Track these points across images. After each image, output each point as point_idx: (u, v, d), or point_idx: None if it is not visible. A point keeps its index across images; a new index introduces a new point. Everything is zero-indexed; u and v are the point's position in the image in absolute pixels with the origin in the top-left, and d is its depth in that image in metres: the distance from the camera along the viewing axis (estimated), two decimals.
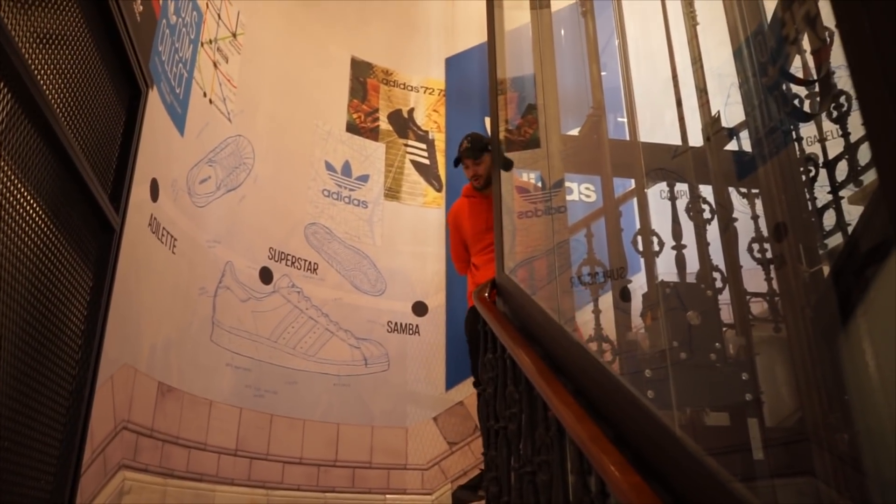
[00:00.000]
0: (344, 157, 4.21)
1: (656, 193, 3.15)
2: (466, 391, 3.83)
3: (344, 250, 3.97)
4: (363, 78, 4.52)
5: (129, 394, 2.45)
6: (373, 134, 4.39)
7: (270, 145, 3.87)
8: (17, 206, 1.84)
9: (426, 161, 4.49)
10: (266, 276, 3.66)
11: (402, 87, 4.65)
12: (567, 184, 4.07)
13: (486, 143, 3.32)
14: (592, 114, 3.10)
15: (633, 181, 3.41)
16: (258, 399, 3.30)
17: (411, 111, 4.60)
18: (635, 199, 3.13)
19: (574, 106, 3.40)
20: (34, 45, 1.90)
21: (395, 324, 3.89)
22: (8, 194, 1.78)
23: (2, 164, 1.74)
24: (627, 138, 3.40)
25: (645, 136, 3.18)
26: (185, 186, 3.20)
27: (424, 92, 4.69)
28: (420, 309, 3.98)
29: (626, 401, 1.64)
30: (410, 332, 3.84)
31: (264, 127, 3.90)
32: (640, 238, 2.97)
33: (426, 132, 4.58)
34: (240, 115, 3.74)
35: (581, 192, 4.34)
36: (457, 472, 3.66)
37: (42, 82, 1.90)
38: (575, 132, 3.50)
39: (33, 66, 1.84)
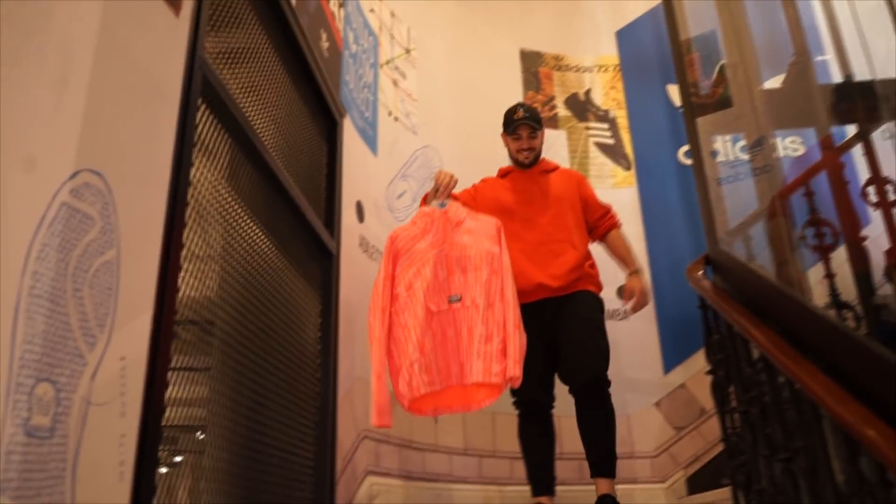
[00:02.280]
0: None
1: (877, 136, 2.79)
2: (687, 373, 3.65)
3: None
4: (535, 68, 4.49)
5: (366, 405, 2.62)
6: (552, 122, 4.33)
7: (455, 151, 3.97)
8: (255, 244, 2.04)
9: (611, 141, 4.35)
10: None
11: (574, 70, 4.55)
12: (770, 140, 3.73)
13: (541, 118, 2.83)
14: (795, 61, 2.81)
15: (846, 128, 3.05)
16: None
17: (588, 93, 4.49)
18: (854, 148, 2.79)
19: (770, 55, 3.11)
20: (245, 95, 2.10)
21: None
22: (245, 234, 1.98)
23: (235, 205, 1.94)
24: (835, 80, 3.04)
25: (857, 74, 2.83)
26: (385, 204, 3.37)
27: (599, 71, 4.55)
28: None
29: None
30: (619, 317, 3.73)
31: (447, 134, 4.00)
32: (871, 188, 2.65)
33: (606, 111, 4.44)
34: (423, 126, 3.87)
35: (786, 147, 3.96)
36: (688, 458, 3.50)
37: (256, 127, 2.09)
38: (773, 84, 3.20)
39: (248, 114, 2.03)
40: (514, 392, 2.55)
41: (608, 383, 2.53)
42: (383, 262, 2.39)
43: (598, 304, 2.67)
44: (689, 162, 3.97)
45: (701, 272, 2.47)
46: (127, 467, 1.14)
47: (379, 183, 3.37)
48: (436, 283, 2.34)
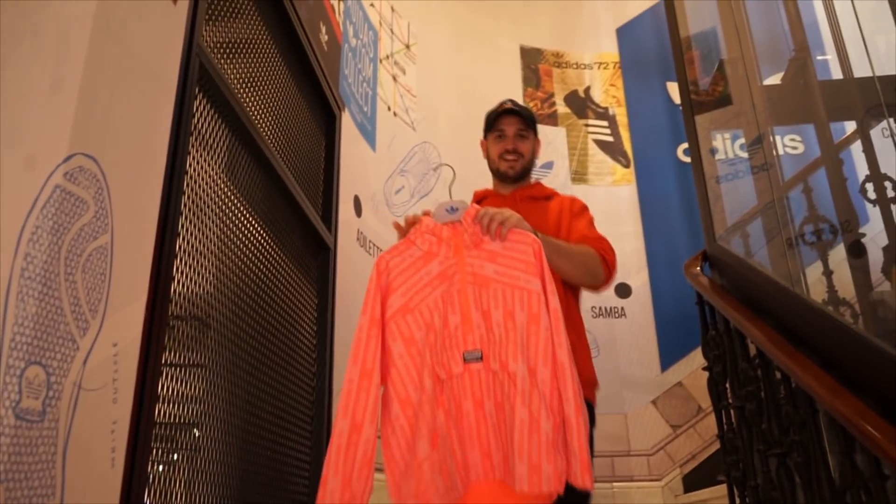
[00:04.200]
0: None
1: (878, 134, 2.78)
2: (684, 371, 3.65)
3: None
4: (534, 65, 4.48)
5: None
6: (551, 119, 4.33)
7: (454, 147, 3.96)
8: (250, 235, 2.03)
9: (610, 138, 4.35)
10: None
11: (574, 66, 4.54)
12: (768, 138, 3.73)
13: (536, 120, 2.06)
14: (796, 57, 2.81)
15: (845, 125, 3.04)
16: None
17: (588, 90, 4.48)
18: (852, 145, 2.79)
19: (770, 52, 3.11)
20: (243, 87, 2.09)
21: (601, 308, 3.80)
22: (242, 226, 1.97)
23: (232, 196, 1.93)
24: (834, 77, 3.04)
25: (856, 71, 2.83)
26: (384, 199, 3.36)
27: (599, 68, 4.55)
28: (623, 291, 3.87)
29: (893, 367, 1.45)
30: (616, 315, 3.74)
31: (446, 130, 4.00)
32: (869, 185, 2.64)
33: (606, 108, 4.44)
34: (422, 122, 3.86)
35: (785, 144, 3.96)
36: (685, 456, 3.50)
37: (254, 118, 2.08)
38: (773, 81, 3.19)
39: (246, 106, 2.02)
40: None
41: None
42: (368, 300, 1.55)
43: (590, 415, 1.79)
44: (688, 159, 3.97)
45: (698, 268, 2.47)
46: (119, 454, 1.13)
47: (377, 178, 3.36)
48: (445, 334, 1.51)
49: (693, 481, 3.40)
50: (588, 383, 1.78)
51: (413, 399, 1.49)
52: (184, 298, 1.53)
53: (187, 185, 1.55)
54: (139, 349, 1.22)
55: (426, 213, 1.66)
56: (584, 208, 1.99)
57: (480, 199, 2.04)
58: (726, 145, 3.95)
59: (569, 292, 1.87)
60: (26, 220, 0.93)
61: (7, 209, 0.90)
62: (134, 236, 1.23)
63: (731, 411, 2.15)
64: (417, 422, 1.47)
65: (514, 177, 1.99)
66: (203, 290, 1.68)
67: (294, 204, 2.37)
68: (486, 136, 2.08)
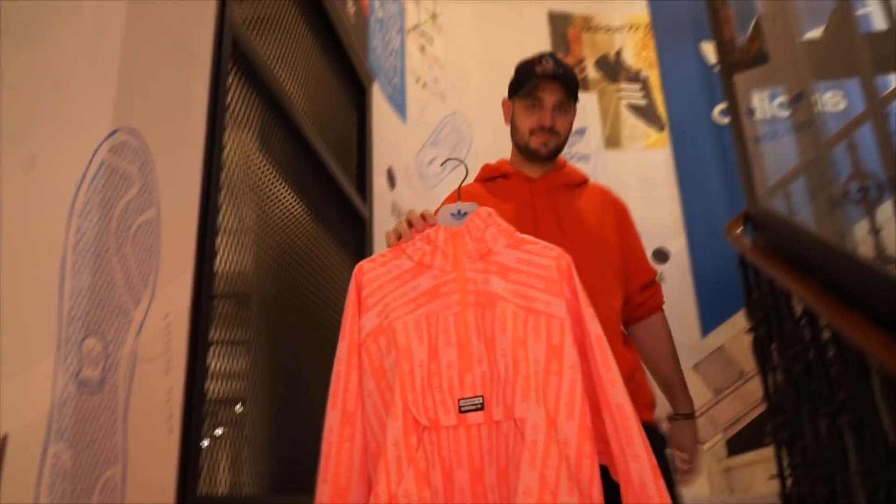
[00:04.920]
0: None
1: None
2: (725, 335, 3.61)
3: None
4: (563, 30, 4.40)
5: None
6: (582, 85, 4.24)
7: (485, 116, 3.92)
8: (288, 210, 2.05)
9: (642, 102, 4.27)
10: None
11: (604, 30, 4.45)
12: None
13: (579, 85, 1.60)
14: (837, 10, 2.71)
15: (889, 78, 2.94)
16: None
17: (618, 53, 4.40)
18: None
19: (809, 6, 3.01)
20: (275, 62, 2.09)
21: None
22: (279, 200, 1.99)
23: (269, 170, 1.94)
24: (875, 28, 2.93)
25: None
26: (416, 170, 3.35)
27: (629, 30, 4.45)
28: (661, 256, 3.82)
29: None
30: None
31: (476, 100, 3.96)
32: None
33: (638, 72, 4.35)
34: (452, 92, 3.83)
35: (826, 101, 3.85)
36: (728, 420, 3.47)
37: (287, 93, 2.08)
38: (813, 35, 3.09)
39: (279, 81, 2.02)
40: None
41: None
42: (346, 322, 1.19)
43: (660, 441, 1.50)
44: (724, 121, 3.88)
45: (740, 230, 2.42)
46: (175, 422, 1.16)
47: (409, 149, 3.35)
48: (432, 370, 1.11)
49: (737, 445, 3.37)
50: (648, 405, 1.49)
51: (391, 457, 1.03)
52: (226, 277, 1.55)
53: (226, 158, 1.56)
54: (189, 320, 1.24)
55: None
56: (628, 209, 1.66)
57: (496, 176, 1.62)
58: (764, 105, 3.85)
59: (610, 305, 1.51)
60: (76, 196, 0.94)
61: (57, 185, 0.91)
62: (178, 210, 1.25)
63: (778, 373, 2.12)
64: (399, 482, 1.01)
65: (546, 157, 1.58)
66: (244, 266, 1.70)
67: (329, 177, 2.37)
68: (512, 97, 1.62)
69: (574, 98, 1.58)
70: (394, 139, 3.19)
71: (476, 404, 1.07)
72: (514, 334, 1.09)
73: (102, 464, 0.93)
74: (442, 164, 3.26)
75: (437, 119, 3.65)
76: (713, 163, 3.95)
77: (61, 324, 0.87)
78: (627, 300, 1.56)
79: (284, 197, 2.02)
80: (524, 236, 1.21)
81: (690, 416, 1.57)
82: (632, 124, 4.20)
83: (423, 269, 1.19)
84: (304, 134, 2.15)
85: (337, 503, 1.07)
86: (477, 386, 1.09)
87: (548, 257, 1.18)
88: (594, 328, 1.12)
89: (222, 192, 1.51)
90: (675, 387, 1.58)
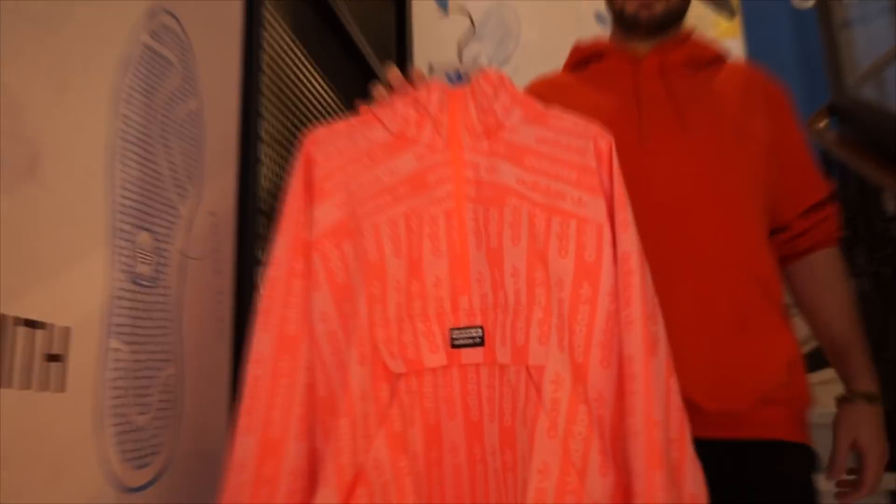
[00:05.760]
0: None
1: None
2: None
3: None
4: None
5: None
6: None
7: (533, 7, 3.70)
8: (329, 108, 1.97)
9: None
10: None
11: None
12: None
13: None
14: None
15: None
16: None
17: None
18: None
19: None
20: None
21: None
22: (324, 101, 1.91)
23: (308, 66, 1.85)
24: None
25: None
26: (461, 68, 3.21)
27: None
28: None
29: None
30: None
31: None
32: None
33: None
34: None
35: None
36: (803, 337, 3.39)
37: None
38: None
39: None
40: None
41: None
42: (287, 211, 0.85)
43: (809, 461, 1.09)
44: (806, 4, 3.58)
45: (824, 123, 2.27)
46: (226, 325, 1.13)
47: (451, 44, 3.21)
48: (413, 290, 0.81)
49: (815, 362, 3.30)
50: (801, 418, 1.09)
51: (339, 405, 0.76)
52: (264, 191, 1.48)
53: (265, 46, 1.48)
54: (234, 221, 1.20)
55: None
56: (788, 98, 1.17)
57: (589, 57, 1.22)
58: None
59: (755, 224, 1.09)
60: (122, 80, 0.88)
61: (97, 66, 0.84)
62: (220, 102, 1.18)
63: (863, 279, 2.02)
64: (333, 449, 0.74)
65: (650, 24, 1.15)
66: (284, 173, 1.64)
67: (370, 73, 2.27)
68: None
69: None
70: (435, 33, 3.04)
71: (473, 337, 0.78)
72: (530, 245, 0.79)
73: (160, 362, 0.91)
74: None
75: (481, 11, 3.47)
76: (791, 53, 3.69)
77: (113, 216, 0.83)
78: (785, 228, 1.15)
79: (324, 92, 1.94)
80: (550, 110, 0.87)
81: (874, 398, 1.08)
82: (697, 14, 3.91)
83: (405, 143, 0.85)
84: (343, 24, 2.03)
85: (268, 464, 0.75)
86: (475, 313, 0.79)
87: (582, 137, 0.83)
88: (626, 244, 0.79)
89: (263, 85, 1.44)
90: (853, 351, 1.12)
